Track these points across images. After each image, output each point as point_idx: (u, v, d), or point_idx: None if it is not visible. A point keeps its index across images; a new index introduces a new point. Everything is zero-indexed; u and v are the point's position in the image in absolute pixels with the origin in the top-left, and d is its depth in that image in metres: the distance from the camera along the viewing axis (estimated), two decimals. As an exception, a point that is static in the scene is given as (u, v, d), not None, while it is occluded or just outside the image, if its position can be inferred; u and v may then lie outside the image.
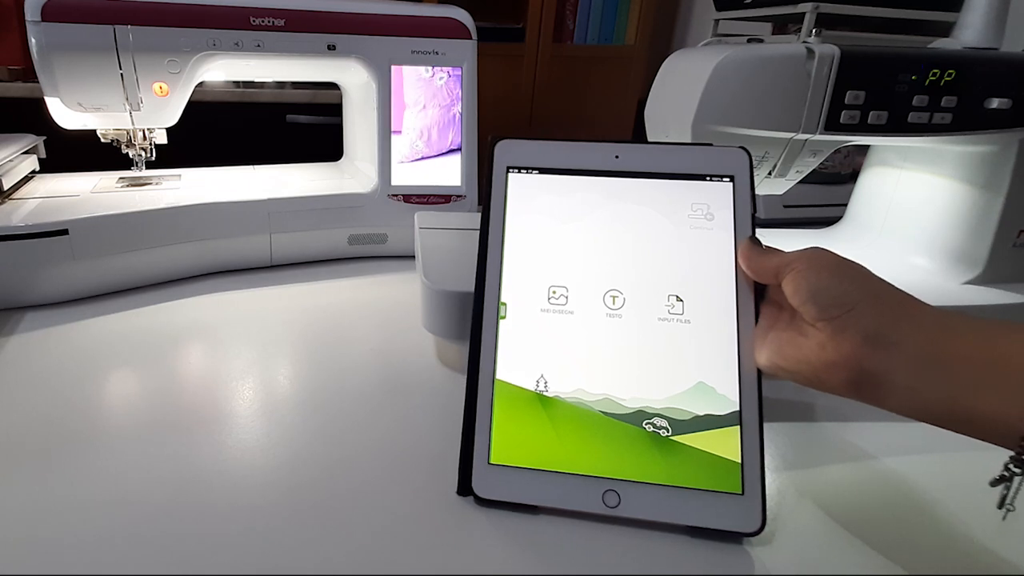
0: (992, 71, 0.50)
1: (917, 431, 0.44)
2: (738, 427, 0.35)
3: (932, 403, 0.29)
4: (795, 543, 0.34)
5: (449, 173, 0.71)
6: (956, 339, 0.29)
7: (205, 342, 0.53)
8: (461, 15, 0.69)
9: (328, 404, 0.45)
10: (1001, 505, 0.29)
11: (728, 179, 0.39)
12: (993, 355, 0.28)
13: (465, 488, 0.36)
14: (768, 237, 0.38)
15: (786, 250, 0.36)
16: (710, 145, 0.40)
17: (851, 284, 0.32)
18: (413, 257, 0.58)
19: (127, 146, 0.67)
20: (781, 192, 0.58)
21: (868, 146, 0.66)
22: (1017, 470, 0.28)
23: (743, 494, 0.34)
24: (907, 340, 0.30)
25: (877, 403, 0.31)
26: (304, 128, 1.72)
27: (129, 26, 0.58)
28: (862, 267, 0.34)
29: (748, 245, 0.37)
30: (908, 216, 0.61)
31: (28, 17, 0.56)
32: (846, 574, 0.33)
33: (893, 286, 0.33)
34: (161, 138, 0.69)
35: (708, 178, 0.39)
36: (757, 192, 0.57)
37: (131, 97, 0.61)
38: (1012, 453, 0.28)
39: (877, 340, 0.30)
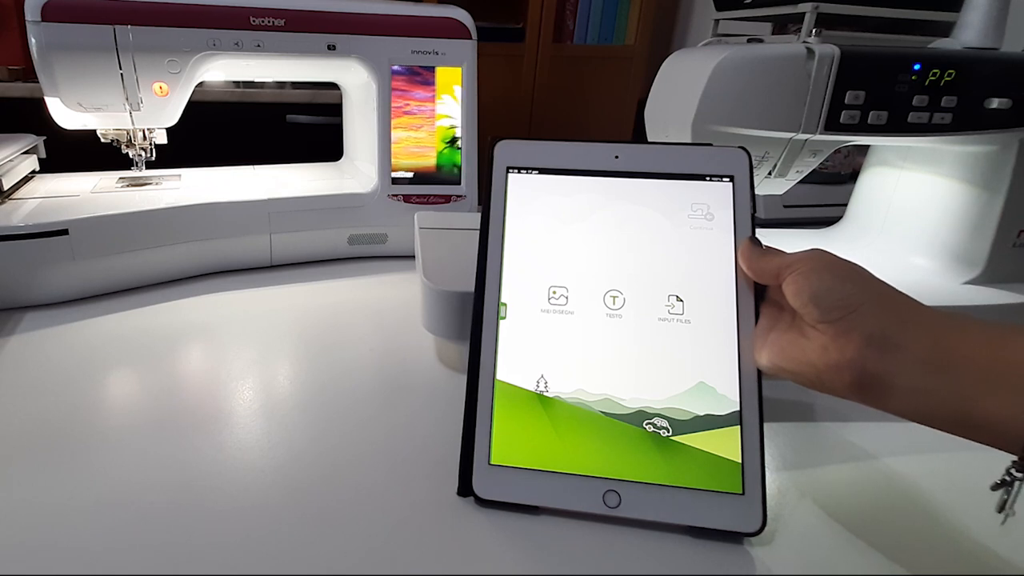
0: (992, 71, 0.50)
1: (917, 431, 0.44)
2: (738, 427, 0.35)
3: (936, 406, 0.29)
4: (796, 543, 0.34)
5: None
6: (961, 342, 0.29)
7: (205, 342, 0.53)
8: (461, 15, 0.69)
9: (328, 404, 0.45)
10: (1001, 509, 0.29)
11: (728, 179, 0.39)
12: (999, 359, 0.28)
13: (465, 489, 0.36)
14: (768, 237, 0.38)
15: (786, 250, 0.36)
16: (710, 145, 0.40)
17: (853, 286, 0.32)
18: (413, 257, 0.58)
19: (127, 146, 0.67)
20: (781, 192, 0.58)
21: (868, 146, 0.66)
22: (1019, 475, 0.28)
23: (743, 494, 0.34)
24: (912, 343, 0.30)
25: (880, 406, 0.31)
26: (304, 128, 1.72)
27: (129, 26, 0.58)
28: (863, 269, 0.34)
29: (748, 246, 0.37)
30: (908, 216, 0.61)
31: (28, 17, 0.56)
32: (847, 574, 0.33)
33: (895, 289, 0.33)
34: (161, 138, 0.69)
35: (708, 178, 0.39)
36: (757, 192, 0.57)
37: (131, 97, 0.61)
38: (1015, 457, 0.28)
39: (881, 342, 0.30)
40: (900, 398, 0.30)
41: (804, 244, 0.60)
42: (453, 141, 0.70)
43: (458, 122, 0.70)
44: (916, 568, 0.33)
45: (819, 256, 0.34)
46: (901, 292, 0.33)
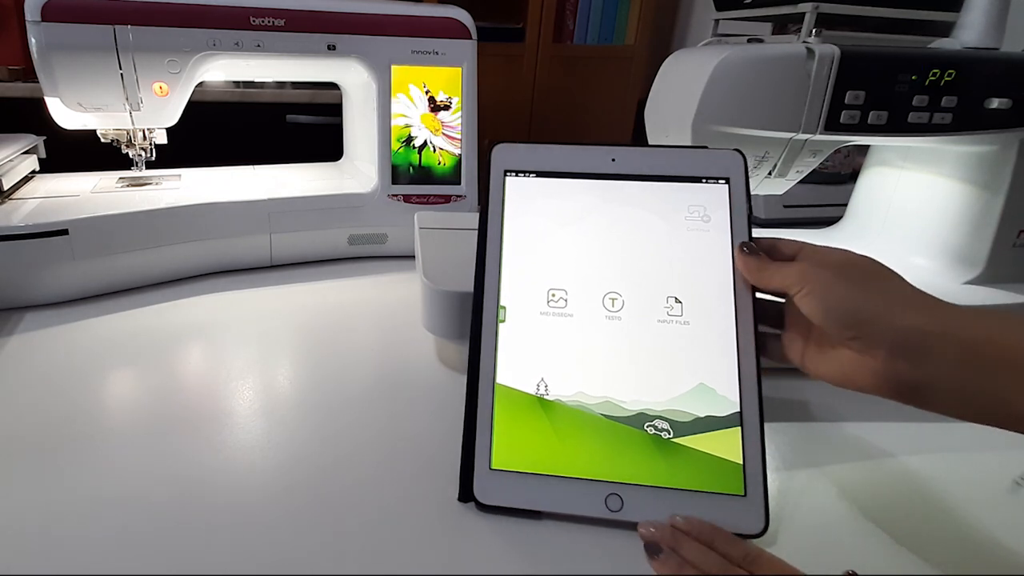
0: (992, 71, 0.50)
1: (918, 430, 0.45)
2: (739, 428, 0.35)
3: (981, 404, 0.29)
4: (799, 544, 0.34)
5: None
6: (996, 339, 0.29)
7: (205, 342, 0.53)
8: (461, 15, 0.69)
9: (328, 405, 0.45)
10: None
11: (724, 181, 0.39)
12: None
13: (466, 494, 0.35)
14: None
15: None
16: (705, 148, 0.40)
17: (865, 296, 0.31)
18: (413, 257, 0.58)
19: (127, 146, 0.67)
20: (781, 192, 0.58)
21: (868, 146, 0.66)
22: None
23: (745, 496, 0.34)
24: (942, 347, 0.29)
25: (927, 408, 0.30)
26: (304, 128, 1.71)
27: (129, 26, 0.58)
28: (872, 265, 0.33)
29: (748, 260, 0.36)
30: (908, 216, 0.61)
31: (28, 17, 0.56)
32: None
33: (909, 286, 0.32)
34: (161, 138, 0.69)
35: (704, 180, 0.39)
36: (758, 192, 0.57)
37: (131, 97, 0.61)
38: None
39: (906, 351, 0.30)
40: (942, 400, 0.30)
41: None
42: (408, 140, 0.70)
43: (413, 121, 0.70)
44: (920, 567, 0.33)
45: (822, 262, 0.33)
46: (917, 290, 0.32)
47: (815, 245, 0.36)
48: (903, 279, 0.33)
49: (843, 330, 0.32)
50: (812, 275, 0.33)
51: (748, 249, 0.36)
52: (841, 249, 0.35)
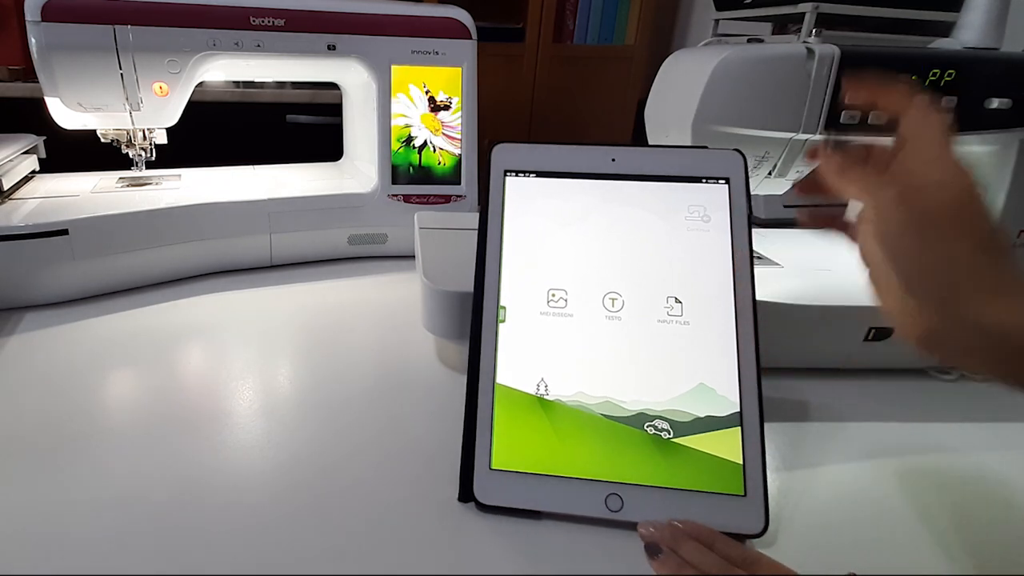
0: (992, 71, 0.50)
1: (918, 430, 0.45)
2: (739, 428, 0.35)
3: (1007, 378, 0.28)
4: (799, 544, 0.34)
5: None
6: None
7: (205, 342, 0.53)
8: (461, 15, 0.69)
9: (328, 405, 0.45)
10: None
11: (723, 181, 0.39)
12: None
13: (466, 494, 0.35)
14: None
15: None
16: (705, 148, 0.40)
17: (913, 246, 0.29)
18: (413, 257, 0.58)
19: (127, 146, 0.67)
20: (781, 192, 0.58)
21: (868, 146, 0.66)
22: None
23: (745, 496, 0.34)
24: (979, 320, 0.27)
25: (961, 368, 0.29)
26: (304, 128, 1.71)
27: (129, 26, 0.58)
28: (940, 206, 0.29)
29: (831, 159, 0.33)
30: (908, 216, 0.61)
31: (28, 17, 0.56)
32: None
33: (971, 239, 0.28)
34: (161, 138, 0.69)
35: (704, 180, 0.39)
36: (758, 192, 0.57)
37: (131, 97, 0.61)
38: None
39: (939, 337, 0.28)
40: (965, 366, 0.29)
41: (804, 244, 0.60)
42: (408, 140, 0.70)
43: (413, 121, 0.70)
44: (920, 567, 0.33)
45: (888, 194, 0.30)
46: (977, 253, 0.28)
47: (909, 155, 0.32)
48: (972, 232, 0.28)
49: (888, 266, 0.29)
50: (878, 195, 0.30)
51: (835, 144, 0.33)
52: (932, 168, 0.30)
